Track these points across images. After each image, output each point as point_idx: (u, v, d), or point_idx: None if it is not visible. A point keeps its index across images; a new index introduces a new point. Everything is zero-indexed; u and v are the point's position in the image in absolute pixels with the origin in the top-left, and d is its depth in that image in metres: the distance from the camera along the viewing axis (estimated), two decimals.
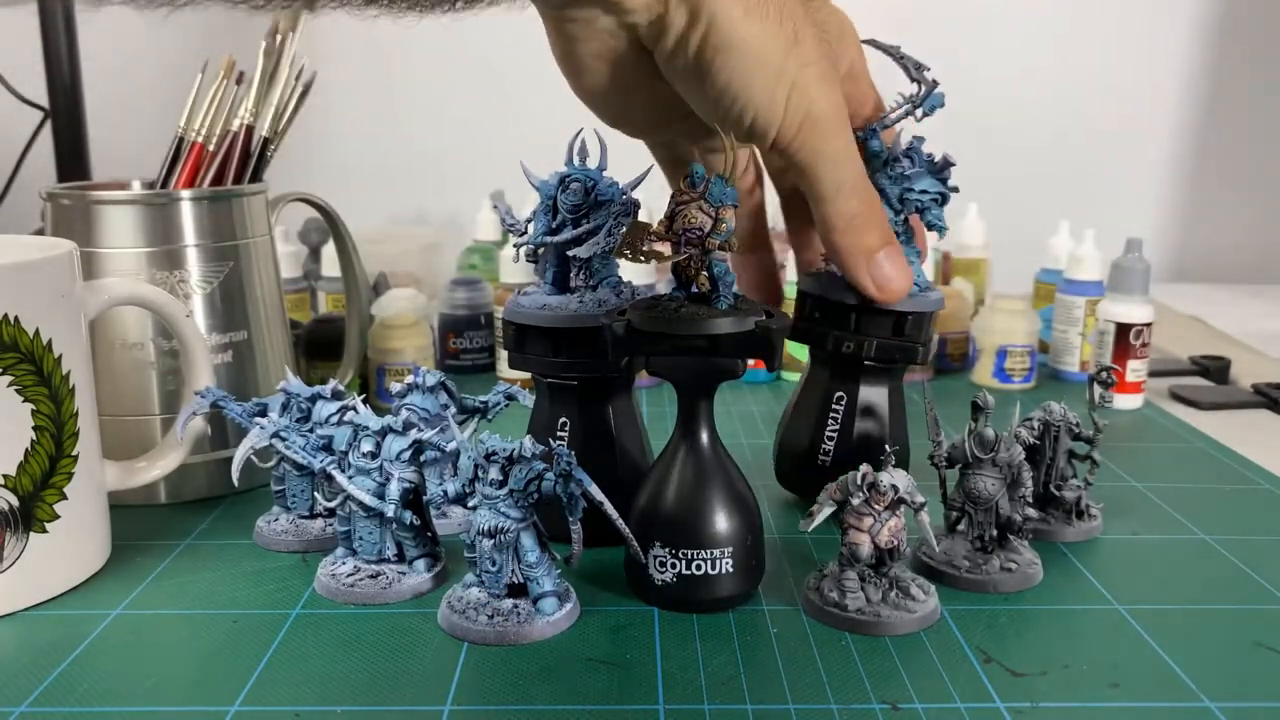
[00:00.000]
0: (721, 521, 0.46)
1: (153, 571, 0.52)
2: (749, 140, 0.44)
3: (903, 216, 0.54)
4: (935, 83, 0.50)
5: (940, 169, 0.54)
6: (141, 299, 0.54)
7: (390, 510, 0.48)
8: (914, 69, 0.53)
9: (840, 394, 0.56)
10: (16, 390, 0.46)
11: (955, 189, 0.54)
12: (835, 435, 0.56)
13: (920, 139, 0.54)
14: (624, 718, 0.39)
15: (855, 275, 0.46)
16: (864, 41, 0.52)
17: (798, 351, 0.82)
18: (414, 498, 0.49)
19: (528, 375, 0.56)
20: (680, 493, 0.46)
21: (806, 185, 0.44)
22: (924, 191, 0.53)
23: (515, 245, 0.53)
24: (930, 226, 0.54)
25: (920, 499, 0.45)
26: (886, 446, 0.47)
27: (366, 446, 0.48)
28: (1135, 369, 0.80)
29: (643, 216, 0.51)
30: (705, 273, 0.46)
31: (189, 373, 0.56)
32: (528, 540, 0.45)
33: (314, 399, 0.53)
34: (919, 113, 0.51)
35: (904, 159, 0.53)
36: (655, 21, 0.43)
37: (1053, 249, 0.99)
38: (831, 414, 0.56)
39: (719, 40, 0.42)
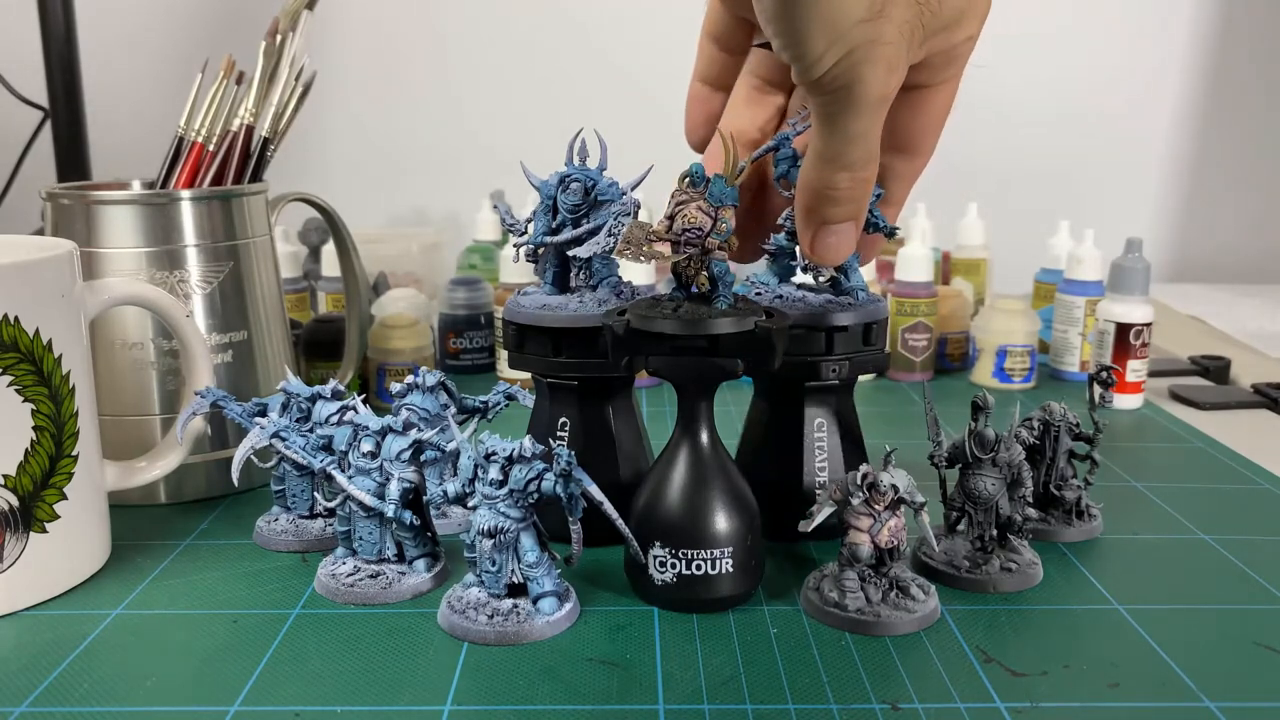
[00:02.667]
0: (721, 521, 0.46)
1: (153, 571, 0.52)
2: (777, 51, 0.41)
3: None
4: None
5: None
6: (141, 299, 0.54)
7: (390, 510, 0.48)
8: None
9: (820, 420, 0.54)
10: (16, 390, 0.46)
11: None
12: (825, 465, 0.54)
13: None
14: (624, 718, 0.39)
15: (801, 232, 0.45)
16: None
17: None
18: (414, 498, 0.49)
19: (528, 375, 0.56)
20: (680, 493, 0.46)
21: (813, 133, 0.42)
22: None
23: (515, 245, 0.53)
24: (876, 228, 0.51)
25: (920, 499, 0.45)
26: (886, 447, 0.47)
27: (366, 446, 0.48)
28: (1135, 369, 0.80)
29: (643, 216, 0.51)
30: (705, 273, 0.46)
31: (189, 373, 0.56)
32: (528, 540, 0.45)
33: (314, 399, 0.53)
34: None
35: None
36: None
37: (1053, 249, 0.99)
38: (818, 443, 0.54)
39: None
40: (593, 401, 0.53)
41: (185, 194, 0.60)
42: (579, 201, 0.51)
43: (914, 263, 0.86)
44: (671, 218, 0.45)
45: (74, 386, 0.49)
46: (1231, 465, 0.67)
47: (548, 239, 0.52)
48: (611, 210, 0.50)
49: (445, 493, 0.46)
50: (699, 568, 0.46)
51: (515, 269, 0.84)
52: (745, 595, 0.47)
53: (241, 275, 0.62)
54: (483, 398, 0.57)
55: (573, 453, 0.44)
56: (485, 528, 0.45)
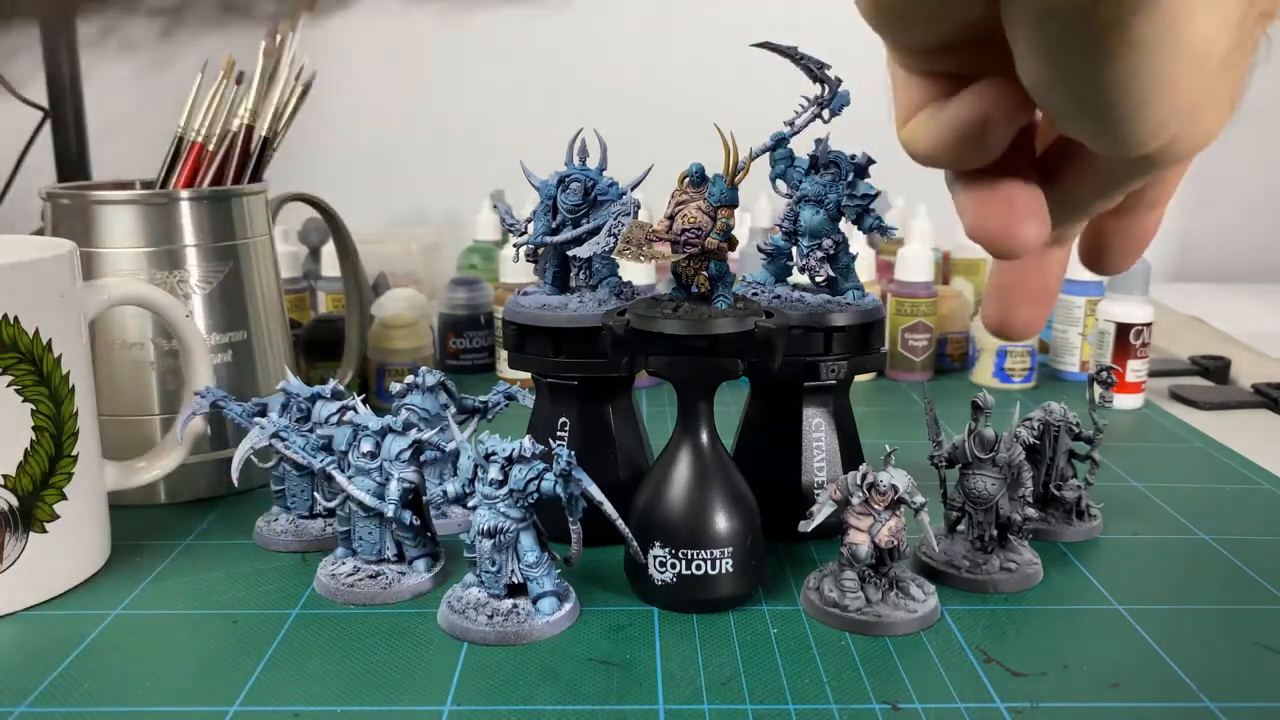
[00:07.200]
0: (721, 521, 0.46)
1: (153, 571, 0.51)
2: (1072, 134, 0.25)
3: (838, 224, 0.52)
4: (839, 80, 0.48)
5: (864, 170, 0.52)
6: (141, 299, 0.54)
7: (390, 510, 0.48)
8: (815, 69, 0.50)
9: (817, 420, 0.54)
10: (16, 390, 0.46)
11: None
12: (823, 465, 0.54)
13: (822, 140, 0.51)
14: (624, 718, 0.39)
15: (1111, 265, 0.28)
16: (757, 45, 0.49)
17: None
18: (414, 498, 0.49)
19: (528, 375, 0.56)
20: (680, 493, 0.46)
21: (1111, 175, 0.28)
22: (865, 195, 0.51)
23: (515, 245, 0.53)
24: (874, 229, 0.52)
25: (920, 499, 0.45)
26: (886, 447, 0.47)
27: (366, 446, 0.48)
28: (1135, 369, 0.80)
29: (643, 216, 0.51)
30: (705, 273, 0.46)
31: (189, 373, 0.56)
32: (527, 540, 0.45)
33: (314, 399, 0.53)
34: (826, 114, 0.50)
35: (832, 164, 0.51)
36: None
37: None
38: (816, 443, 0.54)
39: (1151, 28, 0.21)
40: (593, 401, 0.53)
41: (185, 194, 0.60)
42: (579, 201, 0.51)
43: (914, 263, 0.86)
44: (671, 218, 0.45)
45: (74, 386, 0.49)
46: (1231, 465, 0.67)
47: (548, 239, 0.52)
48: (611, 210, 0.50)
49: (445, 493, 0.46)
50: (699, 568, 0.46)
51: (515, 269, 0.84)
52: (745, 595, 0.47)
53: (241, 275, 0.62)
54: (483, 398, 0.57)
55: (573, 453, 0.44)
56: (485, 528, 0.45)
